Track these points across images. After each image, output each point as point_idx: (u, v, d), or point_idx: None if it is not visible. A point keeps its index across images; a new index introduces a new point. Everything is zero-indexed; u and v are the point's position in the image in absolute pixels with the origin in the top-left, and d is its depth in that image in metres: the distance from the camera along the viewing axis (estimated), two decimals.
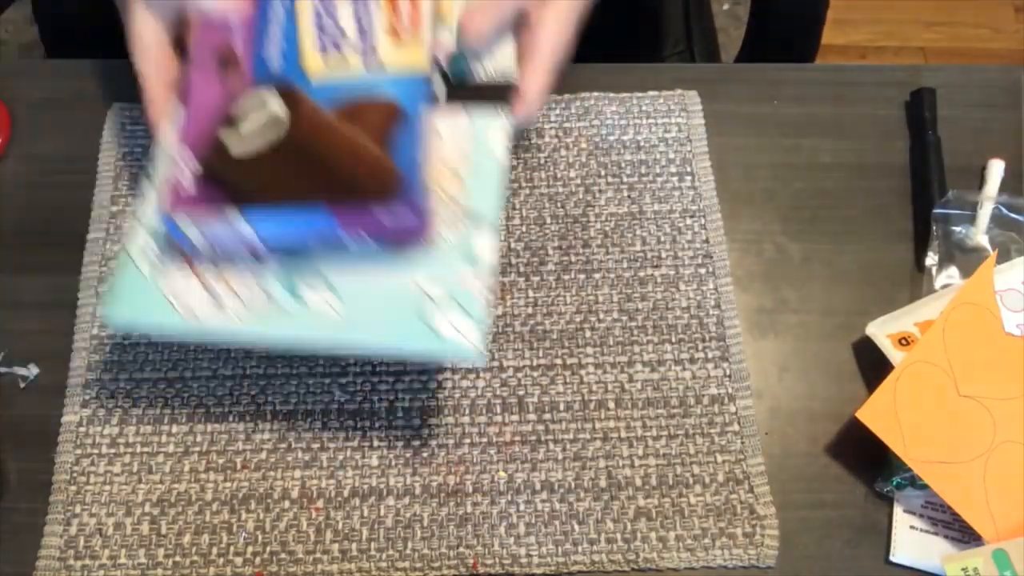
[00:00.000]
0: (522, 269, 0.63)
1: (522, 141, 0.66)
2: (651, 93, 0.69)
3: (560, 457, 0.57)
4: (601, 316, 0.61)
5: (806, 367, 0.60)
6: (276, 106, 0.50)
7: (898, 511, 0.56)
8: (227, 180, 0.50)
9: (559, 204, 0.65)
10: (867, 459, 0.57)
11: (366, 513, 0.55)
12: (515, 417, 0.58)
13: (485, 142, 0.55)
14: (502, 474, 0.56)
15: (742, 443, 0.58)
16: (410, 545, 0.55)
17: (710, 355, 0.60)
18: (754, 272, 0.63)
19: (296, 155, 0.50)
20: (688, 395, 0.59)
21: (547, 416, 0.58)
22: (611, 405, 0.59)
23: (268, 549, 0.54)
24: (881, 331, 0.59)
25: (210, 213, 0.49)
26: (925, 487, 0.54)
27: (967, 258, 0.63)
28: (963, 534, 0.55)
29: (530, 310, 0.61)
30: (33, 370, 0.59)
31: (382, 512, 0.55)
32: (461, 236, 0.53)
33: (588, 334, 0.61)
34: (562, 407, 0.58)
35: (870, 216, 0.63)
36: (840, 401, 0.59)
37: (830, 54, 1.59)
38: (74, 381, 0.58)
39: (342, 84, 0.53)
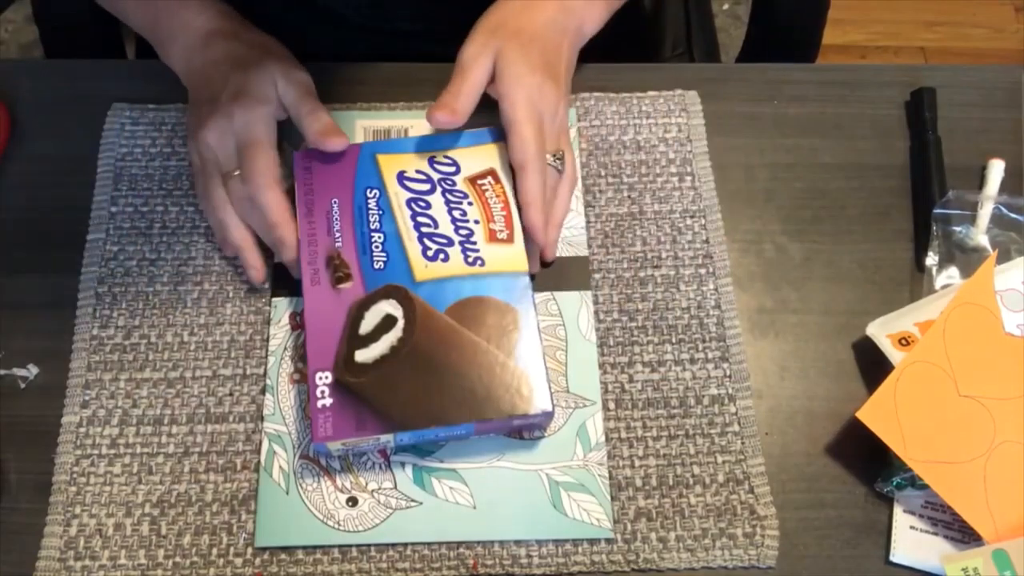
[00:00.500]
0: None
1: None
2: (651, 93, 0.69)
3: None
4: (601, 316, 0.61)
5: (806, 367, 0.60)
6: (392, 309, 0.55)
7: (898, 511, 0.56)
8: (359, 390, 0.54)
9: None
10: (867, 459, 0.57)
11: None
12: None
13: (576, 323, 0.60)
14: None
15: (742, 443, 0.58)
16: (410, 545, 0.55)
17: (710, 355, 0.60)
18: (754, 272, 0.63)
19: (419, 357, 0.54)
20: (688, 395, 0.59)
21: None
22: (611, 405, 0.59)
23: (268, 549, 0.54)
24: (881, 331, 0.59)
25: (361, 436, 0.53)
26: (925, 487, 0.54)
27: (967, 258, 0.62)
28: (963, 534, 0.55)
29: None
30: (33, 370, 0.59)
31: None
32: (574, 420, 0.57)
33: (588, 334, 0.61)
34: None
35: (870, 216, 0.63)
36: (840, 401, 0.59)
37: (830, 54, 1.59)
38: (74, 381, 0.58)
39: (448, 283, 0.57)
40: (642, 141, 0.67)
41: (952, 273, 0.62)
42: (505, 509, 0.55)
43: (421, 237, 0.57)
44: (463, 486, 0.55)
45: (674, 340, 0.60)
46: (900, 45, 1.65)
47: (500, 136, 0.60)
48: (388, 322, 0.55)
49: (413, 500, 0.55)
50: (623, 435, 0.58)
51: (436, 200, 0.59)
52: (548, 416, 0.54)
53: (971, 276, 0.59)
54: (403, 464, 0.56)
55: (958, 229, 0.63)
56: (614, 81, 0.69)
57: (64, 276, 0.61)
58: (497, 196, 0.59)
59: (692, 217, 0.64)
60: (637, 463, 0.57)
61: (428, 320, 0.55)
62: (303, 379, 0.58)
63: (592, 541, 0.55)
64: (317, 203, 0.59)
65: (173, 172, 0.65)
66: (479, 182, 0.59)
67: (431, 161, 0.60)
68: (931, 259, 0.63)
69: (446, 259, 0.57)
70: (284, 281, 0.61)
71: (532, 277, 0.60)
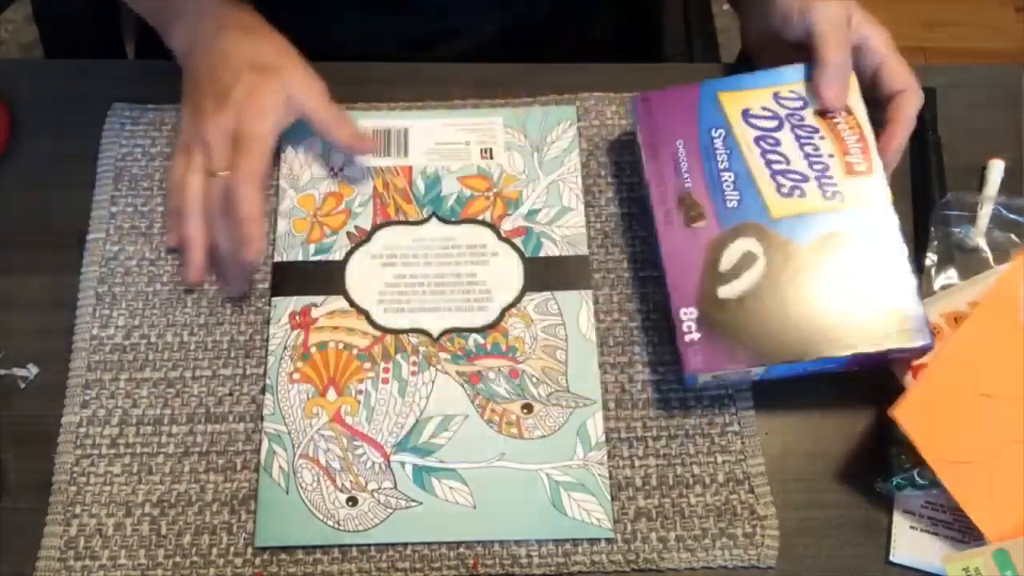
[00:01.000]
0: None
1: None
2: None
3: None
4: (601, 316, 0.61)
5: None
6: (752, 246, 0.56)
7: (898, 511, 0.56)
8: (727, 324, 0.55)
9: None
10: (867, 459, 0.57)
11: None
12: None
13: (576, 322, 0.60)
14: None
15: (742, 443, 0.58)
16: (410, 545, 0.55)
17: None
18: None
19: (784, 291, 0.55)
20: (688, 395, 0.59)
21: None
22: (611, 405, 0.59)
23: (268, 549, 0.54)
24: None
25: (733, 368, 0.54)
26: (925, 487, 0.54)
27: (967, 258, 0.62)
28: (963, 534, 0.55)
29: None
30: (33, 370, 0.59)
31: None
32: (574, 419, 0.57)
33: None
34: None
35: None
36: (840, 401, 0.59)
37: None
38: (74, 381, 0.58)
39: (807, 219, 0.57)
40: None
41: (951, 274, 0.62)
42: (505, 509, 0.55)
43: (774, 175, 0.58)
44: (463, 486, 0.55)
45: (674, 340, 0.60)
46: (900, 45, 1.65)
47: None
48: (748, 259, 0.56)
49: (413, 500, 0.55)
50: (623, 435, 0.58)
51: (785, 136, 0.59)
52: (926, 350, 0.55)
53: (999, 276, 0.57)
54: (403, 464, 0.56)
55: (957, 230, 0.63)
56: (614, 81, 0.69)
57: (64, 276, 0.61)
58: (851, 128, 0.59)
59: None
60: (637, 463, 0.57)
61: (790, 255, 0.56)
62: (303, 379, 0.58)
63: (592, 541, 0.55)
64: (662, 145, 0.60)
65: None
66: (830, 115, 0.60)
67: (775, 96, 0.61)
68: (930, 259, 0.63)
69: (802, 195, 0.58)
70: (284, 281, 0.61)
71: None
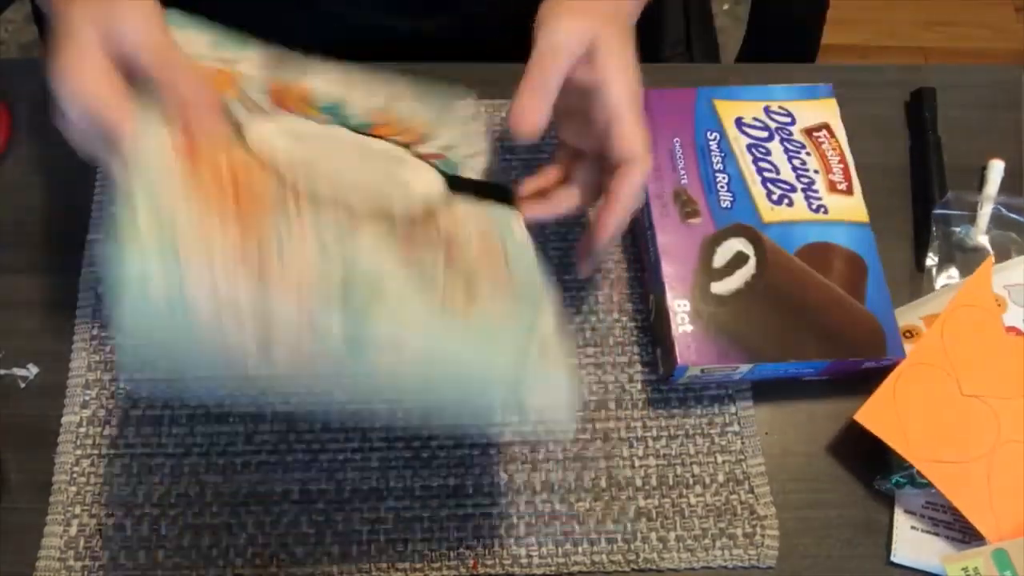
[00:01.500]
0: None
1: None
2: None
3: (560, 457, 0.57)
4: (601, 316, 0.61)
5: None
6: (743, 247, 0.57)
7: (898, 511, 0.56)
8: (718, 319, 0.56)
9: None
10: (867, 459, 0.57)
11: (366, 513, 0.55)
12: (515, 417, 0.58)
13: (511, 232, 0.53)
14: (503, 475, 0.56)
15: (742, 443, 0.58)
16: (410, 545, 0.55)
17: None
18: None
19: (774, 293, 0.57)
20: (688, 395, 0.59)
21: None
22: (611, 405, 0.59)
23: (268, 550, 0.54)
24: None
25: (721, 364, 0.55)
26: (924, 486, 0.54)
27: (967, 258, 0.63)
28: (963, 534, 0.55)
29: None
30: (32, 370, 0.59)
31: (382, 512, 0.55)
32: (524, 320, 0.49)
33: (588, 334, 0.61)
34: None
35: (870, 216, 0.63)
36: (840, 401, 0.59)
37: (830, 54, 1.59)
38: (74, 381, 0.58)
39: (794, 227, 0.59)
40: None
41: (952, 273, 0.62)
42: (457, 390, 0.47)
43: (764, 181, 0.60)
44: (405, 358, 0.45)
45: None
46: (900, 45, 1.65)
47: (833, 93, 0.65)
48: (740, 259, 0.58)
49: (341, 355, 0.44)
50: (623, 435, 0.58)
51: (775, 148, 0.62)
52: (895, 364, 0.56)
53: (969, 279, 0.59)
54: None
55: (958, 229, 0.63)
56: None
57: (64, 276, 0.61)
58: (833, 149, 0.62)
59: None
60: (637, 463, 0.57)
61: (779, 259, 0.58)
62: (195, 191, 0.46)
63: (592, 541, 0.55)
64: (659, 140, 0.61)
65: None
66: (815, 134, 0.62)
67: (766, 110, 0.63)
68: (931, 259, 0.63)
69: (790, 204, 0.60)
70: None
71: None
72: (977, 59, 1.63)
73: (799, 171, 0.61)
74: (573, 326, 0.61)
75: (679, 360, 0.55)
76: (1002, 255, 0.62)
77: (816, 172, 0.61)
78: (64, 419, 0.57)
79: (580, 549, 0.55)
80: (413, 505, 0.56)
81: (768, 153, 0.62)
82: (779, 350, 0.56)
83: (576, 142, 0.55)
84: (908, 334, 0.58)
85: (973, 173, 0.66)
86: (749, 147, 0.62)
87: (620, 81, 0.51)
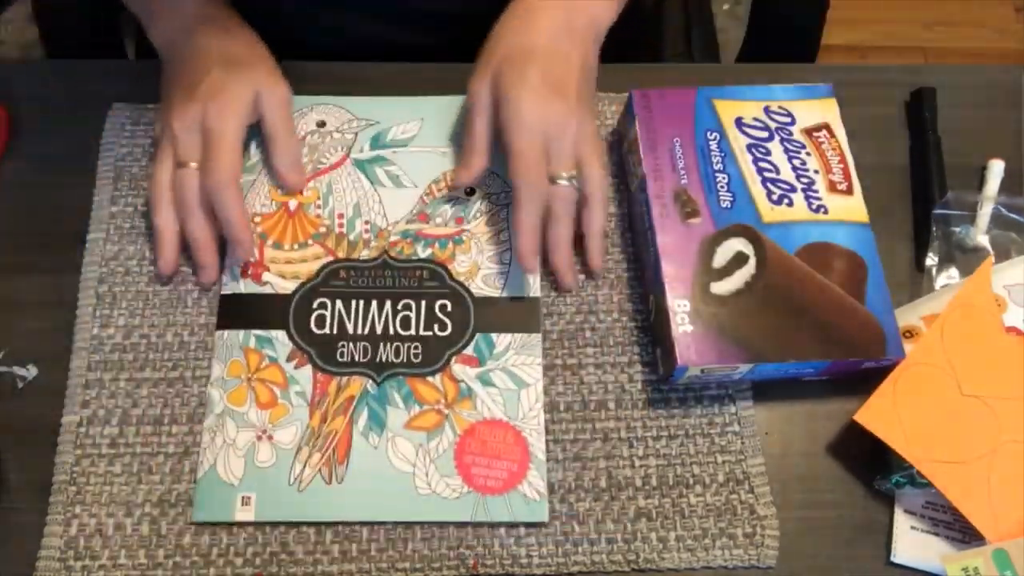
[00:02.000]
0: None
1: None
2: None
3: (560, 457, 0.57)
4: (601, 316, 0.61)
5: None
6: (743, 247, 0.57)
7: (899, 512, 0.56)
8: (718, 319, 0.56)
9: None
10: (867, 459, 0.57)
11: None
12: None
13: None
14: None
15: (742, 443, 0.58)
16: (410, 545, 0.55)
17: None
18: None
19: (773, 293, 0.57)
20: (688, 395, 0.59)
21: (547, 416, 0.58)
22: (611, 405, 0.59)
23: (268, 549, 0.54)
24: None
25: (721, 364, 0.55)
26: (924, 485, 0.54)
27: (967, 258, 0.63)
28: (963, 534, 0.55)
29: None
30: (32, 371, 0.59)
31: None
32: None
33: (588, 334, 0.61)
34: (562, 407, 0.58)
35: (870, 216, 0.63)
36: (840, 401, 0.59)
37: (830, 54, 1.59)
38: (74, 381, 0.58)
39: (794, 227, 0.59)
40: None
41: (952, 273, 0.62)
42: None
43: (764, 181, 0.60)
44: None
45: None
46: (900, 45, 1.65)
47: (833, 93, 0.64)
48: (740, 259, 0.57)
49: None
50: (623, 435, 0.58)
51: (775, 148, 0.61)
52: (895, 364, 0.56)
53: (969, 278, 0.59)
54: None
55: (958, 229, 0.63)
56: (614, 81, 0.69)
57: (64, 276, 0.61)
58: (833, 149, 0.62)
59: None
60: (637, 463, 0.57)
61: (779, 259, 0.58)
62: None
63: (592, 541, 0.55)
64: (659, 141, 0.61)
65: None
66: (815, 134, 0.62)
67: (766, 110, 0.63)
68: (931, 259, 0.63)
69: (790, 204, 0.60)
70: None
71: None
72: (977, 59, 1.62)
73: (799, 171, 0.61)
74: (573, 326, 0.61)
75: (679, 360, 0.55)
76: (1002, 255, 0.62)
77: (816, 172, 0.61)
78: (64, 419, 0.57)
79: (580, 549, 0.55)
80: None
81: (768, 153, 0.62)
82: (779, 350, 0.56)
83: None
84: (908, 334, 0.58)
85: (973, 173, 0.66)
86: (749, 147, 0.62)
87: (510, 116, 0.57)
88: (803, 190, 0.60)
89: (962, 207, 0.64)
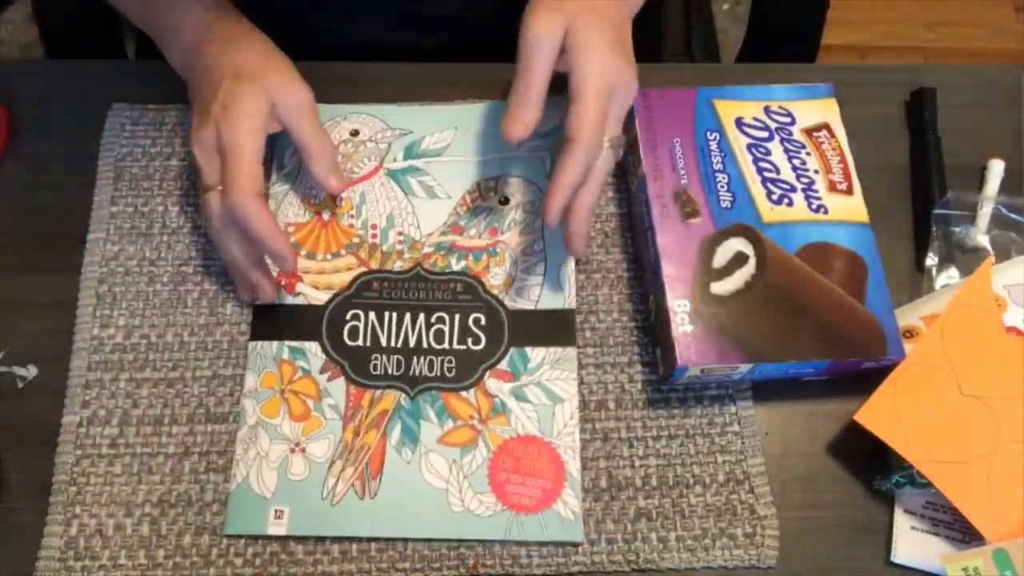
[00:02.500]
0: None
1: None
2: None
3: None
4: (601, 316, 0.61)
5: None
6: (743, 247, 0.58)
7: (899, 512, 0.56)
8: (718, 319, 0.56)
9: None
10: (867, 459, 0.57)
11: None
12: None
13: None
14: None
15: (742, 443, 0.58)
16: (410, 545, 0.55)
17: None
18: None
19: (773, 293, 0.57)
20: (688, 395, 0.59)
21: None
22: (611, 405, 0.59)
23: (268, 549, 0.54)
24: None
25: (722, 364, 0.55)
26: (924, 485, 0.54)
27: (967, 258, 0.63)
28: (963, 534, 0.55)
29: None
30: (32, 371, 0.59)
31: None
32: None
33: (588, 334, 0.61)
34: None
35: (870, 216, 0.63)
36: (840, 401, 0.59)
37: (830, 54, 1.58)
38: (74, 381, 0.58)
39: (794, 227, 0.59)
40: None
41: (952, 273, 0.62)
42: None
43: (764, 181, 0.60)
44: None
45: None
46: (900, 45, 1.65)
47: (833, 93, 0.64)
48: (740, 259, 0.57)
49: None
50: (623, 435, 0.58)
51: (775, 148, 0.62)
52: (895, 364, 0.56)
53: (969, 279, 0.59)
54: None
55: (958, 229, 0.63)
56: None
57: (64, 276, 0.61)
58: (833, 149, 0.62)
59: None
60: (637, 463, 0.57)
61: (779, 259, 0.58)
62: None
63: (592, 541, 0.55)
64: (659, 141, 0.61)
65: (173, 172, 0.65)
66: (815, 134, 0.62)
67: (766, 110, 0.63)
68: (931, 259, 0.63)
69: (790, 204, 0.60)
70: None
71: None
72: (977, 59, 1.62)
73: (799, 171, 0.61)
74: (575, 318, 0.61)
75: (679, 360, 0.55)
76: (1002, 255, 0.62)
77: (816, 172, 0.61)
78: (64, 419, 0.57)
79: (580, 549, 0.55)
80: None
81: (768, 153, 0.62)
82: (779, 350, 0.56)
83: None
84: (908, 334, 0.58)
85: (973, 173, 0.66)
86: (749, 147, 0.62)
87: (585, 64, 0.54)
88: (803, 190, 0.60)
89: (962, 207, 0.64)
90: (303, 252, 0.61)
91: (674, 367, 0.55)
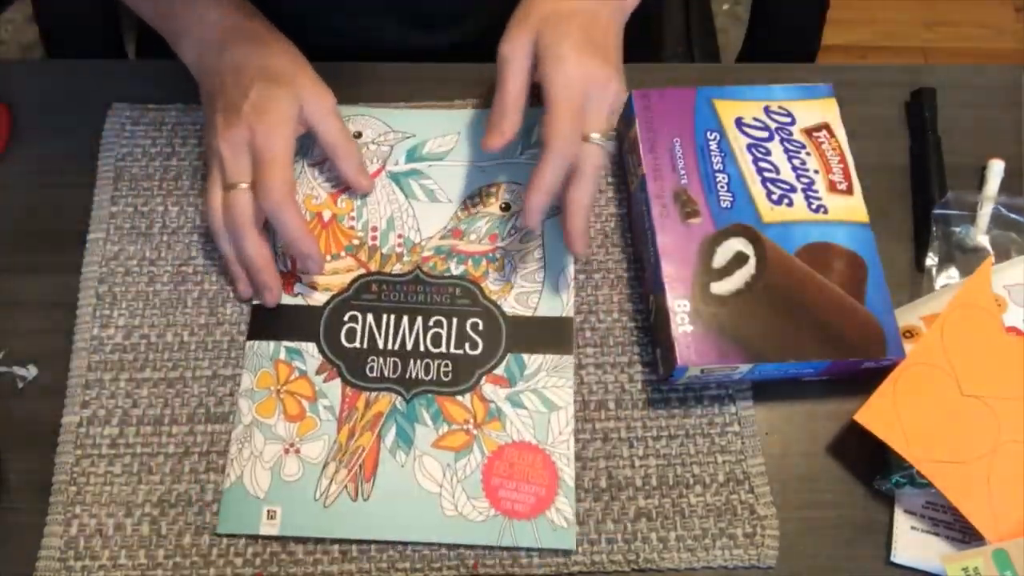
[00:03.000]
0: None
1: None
2: None
3: None
4: (601, 316, 0.61)
5: None
6: (743, 247, 0.58)
7: (899, 512, 0.56)
8: (718, 319, 0.56)
9: None
10: (867, 459, 0.57)
11: None
12: None
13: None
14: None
15: (742, 443, 0.58)
16: (410, 545, 0.55)
17: None
18: None
19: (773, 293, 0.57)
20: (688, 395, 0.59)
21: None
22: (611, 405, 0.59)
23: (268, 549, 0.54)
24: None
25: (722, 364, 0.55)
26: (924, 485, 0.54)
27: (967, 258, 0.63)
28: (963, 534, 0.55)
29: None
30: (32, 371, 0.59)
31: None
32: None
33: (588, 334, 0.61)
34: None
35: (870, 216, 0.63)
36: (840, 401, 0.59)
37: (830, 54, 1.58)
38: (74, 381, 0.58)
39: (794, 227, 0.59)
40: None
41: (952, 273, 0.62)
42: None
43: (764, 181, 0.60)
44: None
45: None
46: (900, 45, 1.65)
47: (833, 93, 0.64)
48: (740, 259, 0.57)
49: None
50: (623, 435, 0.58)
51: (775, 148, 0.62)
52: (895, 364, 0.56)
53: (969, 279, 0.59)
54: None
55: (958, 229, 0.63)
56: None
57: (64, 276, 0.61)
58: (833, 149, 0.62)
59: None
60: (637, 463, 0.57)
61: (779, 259, 0.58)
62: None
63: (592, 541, 0.55)
64: (659, 141, 0.61)
65: (173, 172, 0.65)
66: (815, 134, 0.62)
67: (766, 110, 0.63)
68: (931, 259, 0.63)
69: (790, 204, 0.60)
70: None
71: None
72: (977, 59, 1.62)
73: (799, 171, 0.61)
74: (573, 326, 0.61)
75: (679, 360, 0.55)
76: (1002, 255, 0.62)
77: (816, 172, 0.61)
78: (64, 419, 0.57)
79: (580, 549, 0.55)
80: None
81: (768, 153, 0.62)
82: (779, 350, 0.56)
83: None
84: (908, 334, 0.58)
85: (973, 173, 0.66)
86: (749, 147, 0.62)
87: (551, 73, 0.55)
88: (803, 190, 0.60)
89: (962, 207, 0.64)
90: None
91: (674, 367, 0.55)
